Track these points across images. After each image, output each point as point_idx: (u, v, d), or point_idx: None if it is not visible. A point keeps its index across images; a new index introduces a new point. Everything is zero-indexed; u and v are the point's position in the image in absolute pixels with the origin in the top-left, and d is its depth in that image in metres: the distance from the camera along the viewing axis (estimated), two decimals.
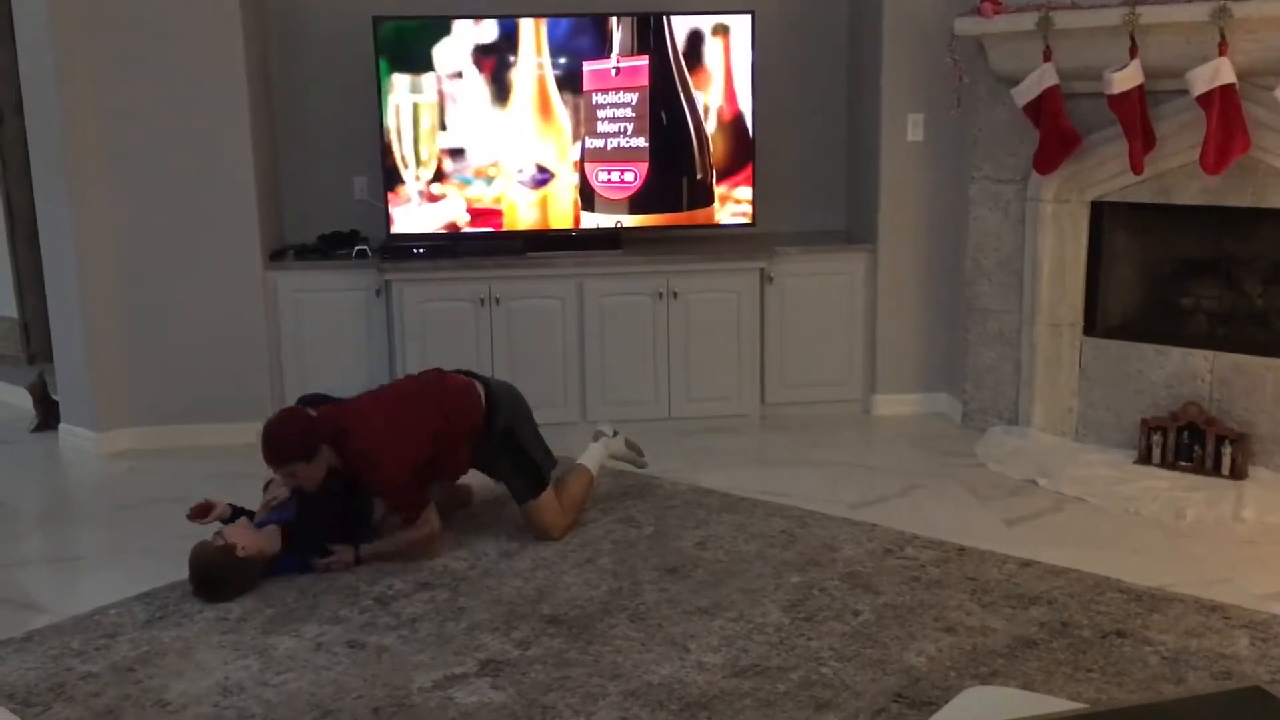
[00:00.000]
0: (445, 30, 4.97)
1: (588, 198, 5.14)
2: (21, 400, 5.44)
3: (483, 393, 3.85)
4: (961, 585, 3.48)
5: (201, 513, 3.63)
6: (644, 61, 5.04)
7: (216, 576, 3.47)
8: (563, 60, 5.02)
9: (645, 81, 5.05)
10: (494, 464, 3.89)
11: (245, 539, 3.53)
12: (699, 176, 5.17)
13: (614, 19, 5.01)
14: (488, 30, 4.98)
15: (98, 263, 4.84)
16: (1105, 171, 4.52)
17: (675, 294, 5.04)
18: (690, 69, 5.08)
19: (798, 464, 4.64)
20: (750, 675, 2.99)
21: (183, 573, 3.60)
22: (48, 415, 5.23)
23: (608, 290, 5.04)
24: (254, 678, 3.02)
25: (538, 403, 5.00)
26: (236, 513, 3.68)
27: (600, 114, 5.07)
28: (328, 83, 5.27)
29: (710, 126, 5.13)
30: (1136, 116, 4.19)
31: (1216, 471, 4.28)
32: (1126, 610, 3.30)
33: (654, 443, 4.50)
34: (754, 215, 5.24)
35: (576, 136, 5.07)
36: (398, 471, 3.55)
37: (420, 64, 4.98)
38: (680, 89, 5.09)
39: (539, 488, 3.82)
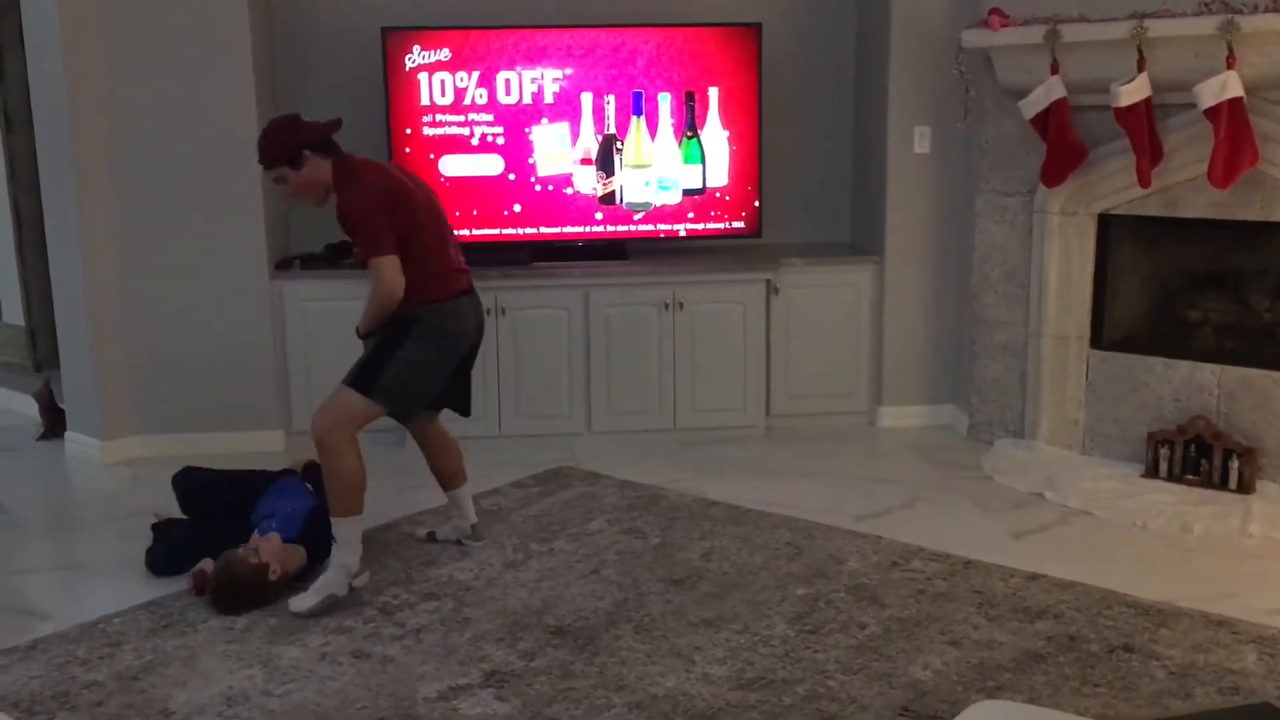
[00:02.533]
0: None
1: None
2: (28, 408, 5.44)
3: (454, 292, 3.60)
4: (968, 598, 3.47)
5: (201, 582, 3.54)
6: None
7: (245, 596, 3.45)
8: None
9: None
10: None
11: (278, 558, 3.51)
12: (706, 188, 5.18)
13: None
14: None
15: (105, 271, 4.85)
16: (1113, 184, 4.51)
17: (681, 305, 5.04)
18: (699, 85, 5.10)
19: (803, 476, 4.63)
20: (756, 688, 2.98)
21: (187, 583, 3.60)
22: (54, 423, 5.24)
23: (614, 301, 5.04)
24: (258, 688, 3.02)
25: (544, 413, 5.07)
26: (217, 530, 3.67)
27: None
28: (335, 93, 5.27)
29: (718, 138, 5.15)
30: (1144, 129, 4.18)
31: (1224, 486, 4.27)
32: (1134, 625, 3.29)
33: (659, 454, 4.50)
34: (760, 226, 5.24)
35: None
36: (367, 203, 3.41)
37: None
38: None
39: (358, 385, 3.47)
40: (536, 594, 3.55)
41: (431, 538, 3.95)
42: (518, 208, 5.14)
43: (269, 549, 3.51)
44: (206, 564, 3.53)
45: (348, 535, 3.46)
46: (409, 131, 5.06)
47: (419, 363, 3.51)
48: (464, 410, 3.89)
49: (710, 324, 5.09)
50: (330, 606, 3.40)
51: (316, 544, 3.62)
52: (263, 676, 3.08)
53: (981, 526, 4.10)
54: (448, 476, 3.89)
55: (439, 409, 3.82)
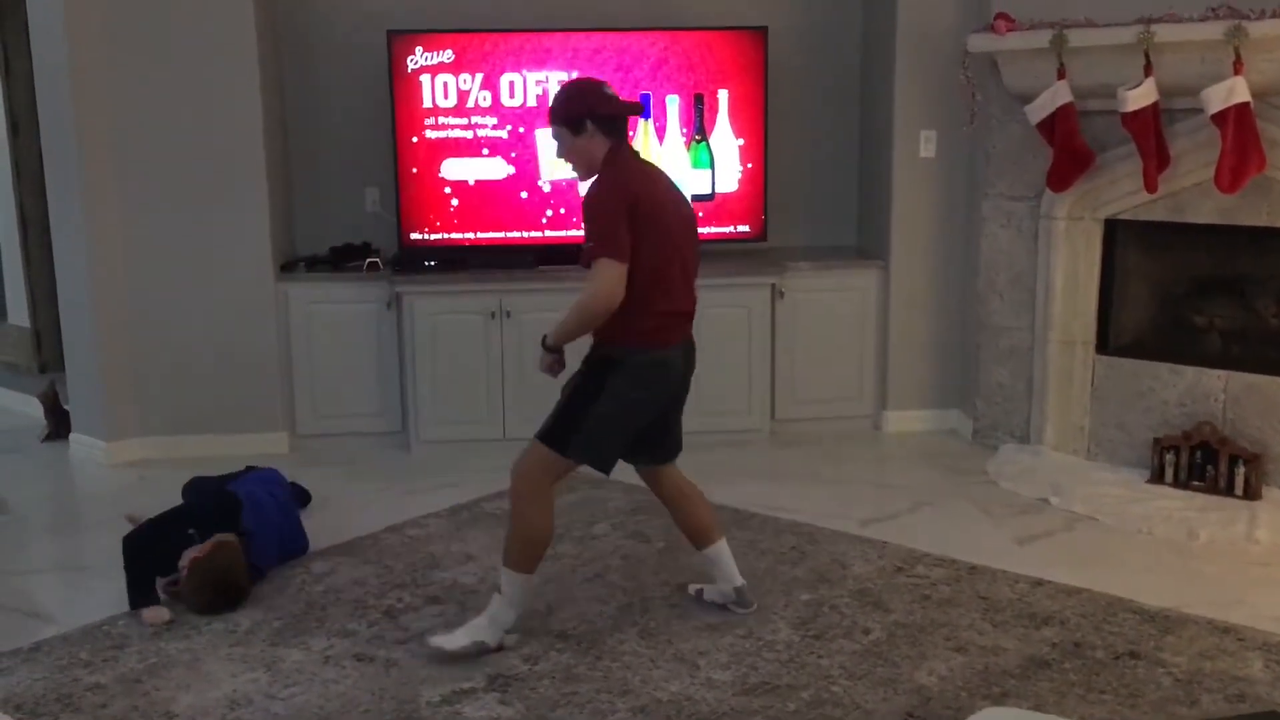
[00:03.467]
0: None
1: None
2: (33, 409, 5.45)
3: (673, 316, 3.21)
4: (973, 604, 3.46)
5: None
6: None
7: (234, 580, 3.47)
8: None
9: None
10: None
11: (217, 539, 3.51)
12: (715, 193, 5.17)
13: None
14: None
15: (110, 273, 4.85)
16: (1119, 189, 4.50)
17: None
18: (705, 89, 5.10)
19: (808, 480, 4.62)
20: (760, 693, 2.97)
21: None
22: (59, 424, 5.24)
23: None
24: (262, 690, 3.02)
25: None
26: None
27: None
28: (340, 95, 5.29)
29: (727, 142, 5.14)
30: (1151, 135, 4.18)
31: (1230, 492, 4.25)
32: (1139, 631, 3.28)
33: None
34: (765, 230, 5.24)
35: None
36: (614, 197, 3.05)
37: None
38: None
39: (551, 441, 3.13)
40: (541, 597, 3.54)
41: (700, 596, 3.49)
42: (523, 208, 5.13)
43: (204, 545, 3.49)
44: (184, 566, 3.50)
45: (514, 591, 3.18)
46: (415, 140, 5.05)
47: (618, 415, 3.13)
48: (672, 454, 3.42)
49: (715, 328, 5.05)
50: (478, 653, 3.14)
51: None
52: (266, 679, 3.07)
53: (986, 532, 4.09)
54: (696, 533, 3.41)
55: (655, 459, 3.38)
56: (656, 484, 3.42)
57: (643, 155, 3.30)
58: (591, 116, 3.11)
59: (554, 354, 3.19)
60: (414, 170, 5.06)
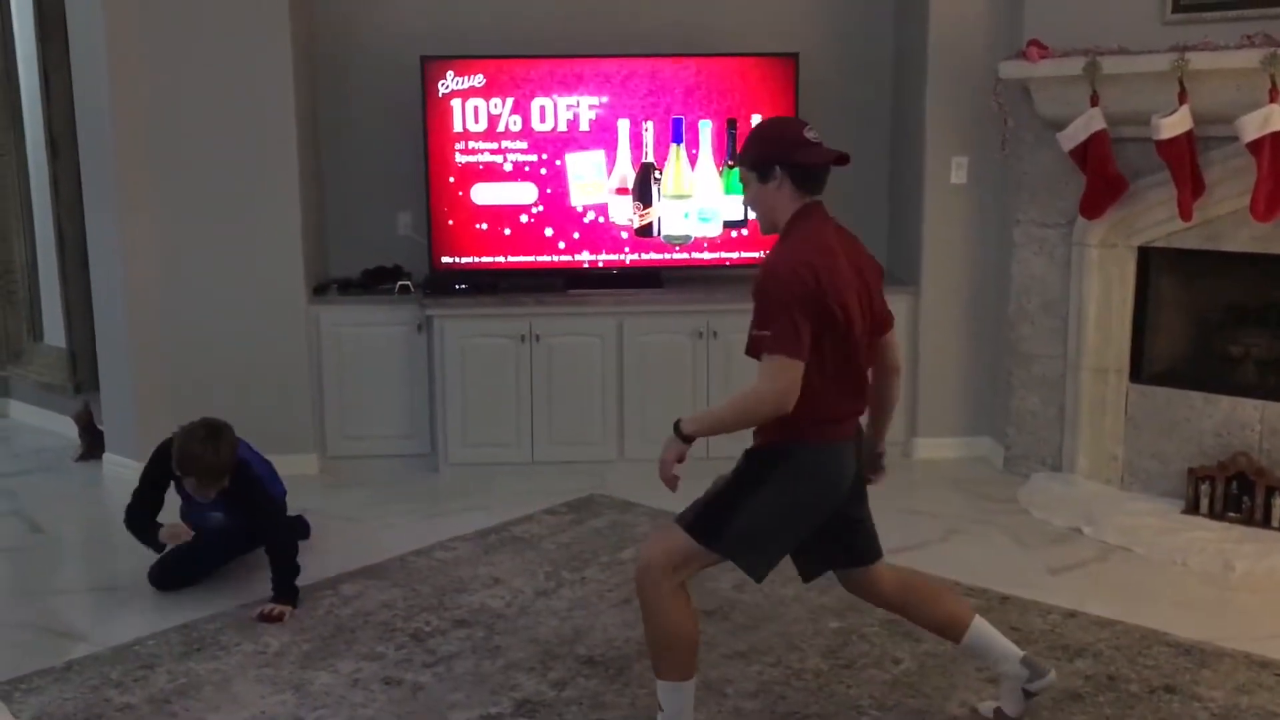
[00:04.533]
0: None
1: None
2: (68, 429, 5.50)
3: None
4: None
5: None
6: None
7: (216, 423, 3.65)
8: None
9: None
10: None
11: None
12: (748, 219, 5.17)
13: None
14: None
15: (146, 294, 4.91)
16: (1153, 217, 4.47)
17: (715, 333, 5.03)
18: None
19: None
20: None
21: (221, 605, 3.64)
22: (93, 444, 5.29)
23: (648, 329, 5.04)
24: (290, 713, 3.02)
25: (576, 440, 5.06)
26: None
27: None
28: (373, 120, 5.34)
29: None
30: (1185, 162, 4.15)
31: (1266, 523, 4.19)
32: (1175, 664, 3.23)
33: (693, 483, 4.44)
34: None
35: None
36: (792, 279, 2.60)
37: None
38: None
39: (697, 533, 2.70)
40: (568, 623, 3.53)
41: (1001, 715, 2.97)
42: (549, 232, 5.15)
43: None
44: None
45: (675, 706, 2.77)
46: (451, 179, 5.08)
47: (784, 511, 2.70)
48: (872, 552, 2.92)
49: (743, 353, 5.06)
50: None
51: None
52: (294, 702, 3.08)
53: (1018, 561, 4.05)
54: (947, 627, 2.94)
55: (854, 561, 2.92)
56: (875, 593, 2.94)
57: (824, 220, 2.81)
58: (781, 163, 2.70)
59: (688, 444, 2.70)
60: (457, 192, 5.10)
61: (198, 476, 3.63)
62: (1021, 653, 2.92)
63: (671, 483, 2.72)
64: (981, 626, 2.91)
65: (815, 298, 2.58)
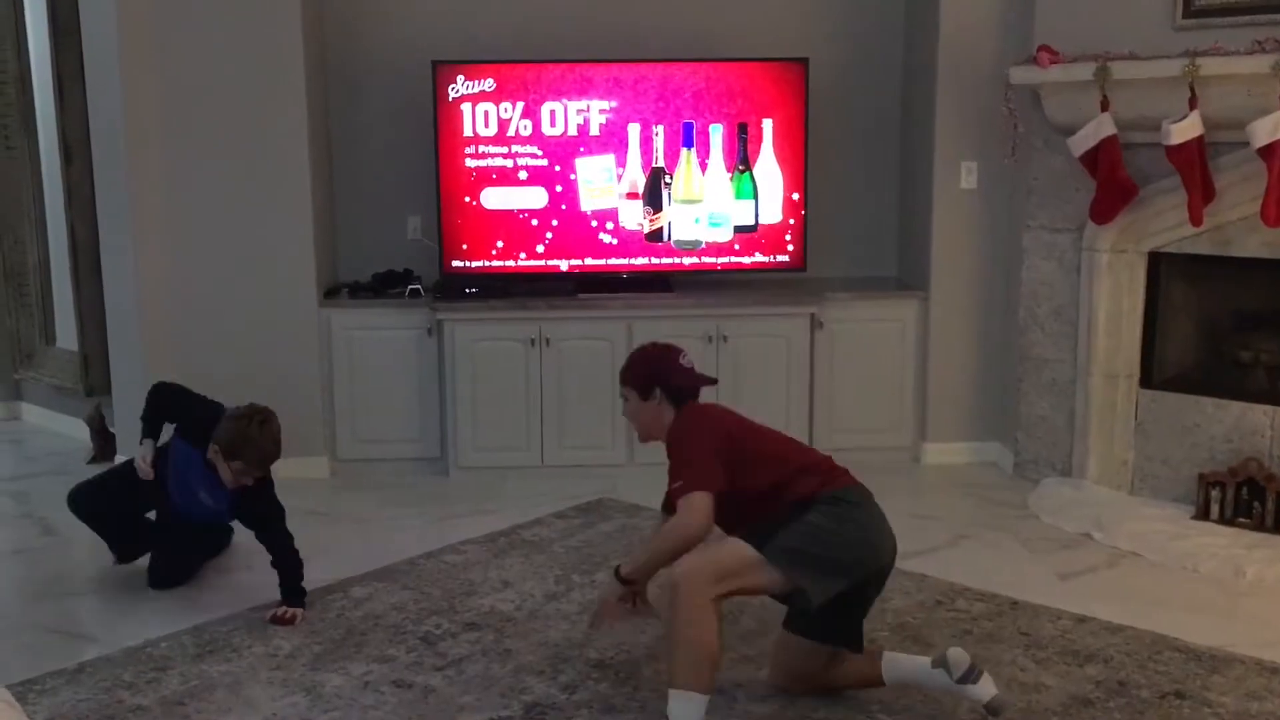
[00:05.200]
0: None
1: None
2: (79, 432, 5.53)
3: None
4: (1014, 640, 3.42)
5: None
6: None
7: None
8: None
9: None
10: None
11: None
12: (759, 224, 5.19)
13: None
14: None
15: (158, 299, 4.94)
16: (1163, 222, 4.47)
17: (725, 338, 5.04)
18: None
19: None
20: None
21: (235, 607, 3.65)
22: (104, 447, 5.31)
23: (658, 333, 4.99)
24: (301, 715, 3.03)
25: (586, 444, 5.07)
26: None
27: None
28: (384, 124, 5.36)
29: (771, 172, 5.16)
30: (1196, 168, 4.15)
31: (1277, 529, 4.19)
32: (1185, 670, 3.23)
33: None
34: (805, 260, 5.24)
35: None
36: (697, 439, 2.96)
37: None
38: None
39: (746, 537, 2.86)
40: (578, 626, 3.54)
41: (991, 705, 2.92)
42: (551, 236, 5.15)
43: None
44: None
45: (686, 717, 2.79)
46: (467, 188, 5.10)
47: (827, 533, 2.84)
48: (853, 645, 3.05)
49: (754, 358, 5.08)
50: None
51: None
52: (306, 704, 3.09)
53: (1028, 567, 4.05)
54: (864, 673, 3.05)
55: (823, 638, 3.02)
56: (808, 676, 3.06)
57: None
58: (660, 385, 3.10)
59: (628, 586, 2.97)
60: (466, 196, 5.11)
61: (247, 461, 3.60)
62: (927, 660, 2.97)
63: (609, 623, 3.04)
64: (892, 661, 3.02)
65: (720, 433, 2.98)
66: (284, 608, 3.61)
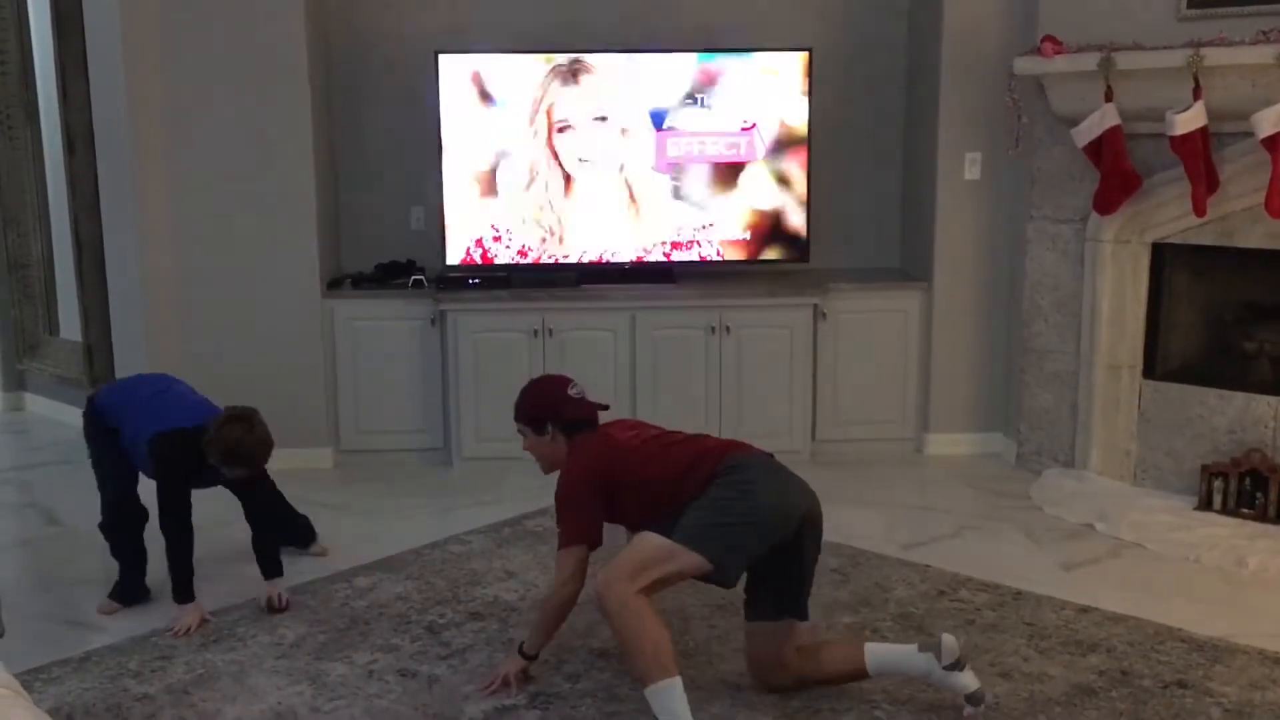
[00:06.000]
0: None
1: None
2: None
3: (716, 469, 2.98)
4: (1018, 630, 3.43)
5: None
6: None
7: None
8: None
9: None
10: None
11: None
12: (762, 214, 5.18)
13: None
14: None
15: (161, 290, 4.94)
16: (1167, 213, 4.47)
17: (728, 329, 5.05)
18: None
19: (849, 502, 4.59)
20: (801, 716, 2.96)
21: (238, 598, 3.67)
22: None
23: (660, 324, 5.05)
24: (306, 704, 3.04)
25: None
26: None
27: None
28: (387, 115, 5.36)
29: (773, 163, 5.15)
30: (1199, 158, 4.14)
31: (1279, 520, 4.19)
32: (1188, 660, 3.24)
33: None
34: (808, 251, 5.23)
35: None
36: (573, 485, 3.07)
37: None
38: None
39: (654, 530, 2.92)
40: (582, 616, 3.52)
41: (972, 698, 2.92)
42: (565, 229, 5.16)
43: None
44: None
45: (668, 707, 2.76)
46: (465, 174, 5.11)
47: (723, 506, 2.87)
48: (798, 612, 3.04)
49: (757, 349, 5.08)
50: None
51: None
52: (311, 693, 3.10)
53: (1031, 557, 4.06)
54: (847, 663, 3.02)
55: (771, 608, 3.03)
56: (780, 665, 3.04)
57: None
58: (550, 419, 3.19)
59: (529, 660, 3.12)
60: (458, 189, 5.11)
61: (246, 465, 3.57)
62: (913, 646, 2.95)
63: (510, 693, 3.06)
64: (874, 648, 3.02)
65: (601, 480, 3.04)
66: (272, 591, 3.62)
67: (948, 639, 2.91)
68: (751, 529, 2.87)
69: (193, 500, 3.63)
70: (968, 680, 2.89)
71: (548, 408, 3.22)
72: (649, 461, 3.05)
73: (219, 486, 3.71)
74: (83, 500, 4.79)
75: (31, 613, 3.67)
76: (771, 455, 3.12)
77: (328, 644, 3.39)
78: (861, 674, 3.00)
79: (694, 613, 3.57)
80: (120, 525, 3.79)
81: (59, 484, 4.98)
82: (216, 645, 3.38)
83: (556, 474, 3.18)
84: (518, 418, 3.27)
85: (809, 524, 2.98)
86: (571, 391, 3.24)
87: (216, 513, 4.17)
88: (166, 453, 3.57)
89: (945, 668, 2.88)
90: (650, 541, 2.86)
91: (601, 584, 2.83)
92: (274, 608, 3.59)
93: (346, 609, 3.63)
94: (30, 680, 3.12)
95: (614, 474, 3.05)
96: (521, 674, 3.12)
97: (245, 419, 3.58)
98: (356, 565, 3.97)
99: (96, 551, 4.23)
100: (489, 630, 3.46)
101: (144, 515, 3.79)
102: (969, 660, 2.95)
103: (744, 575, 2.96)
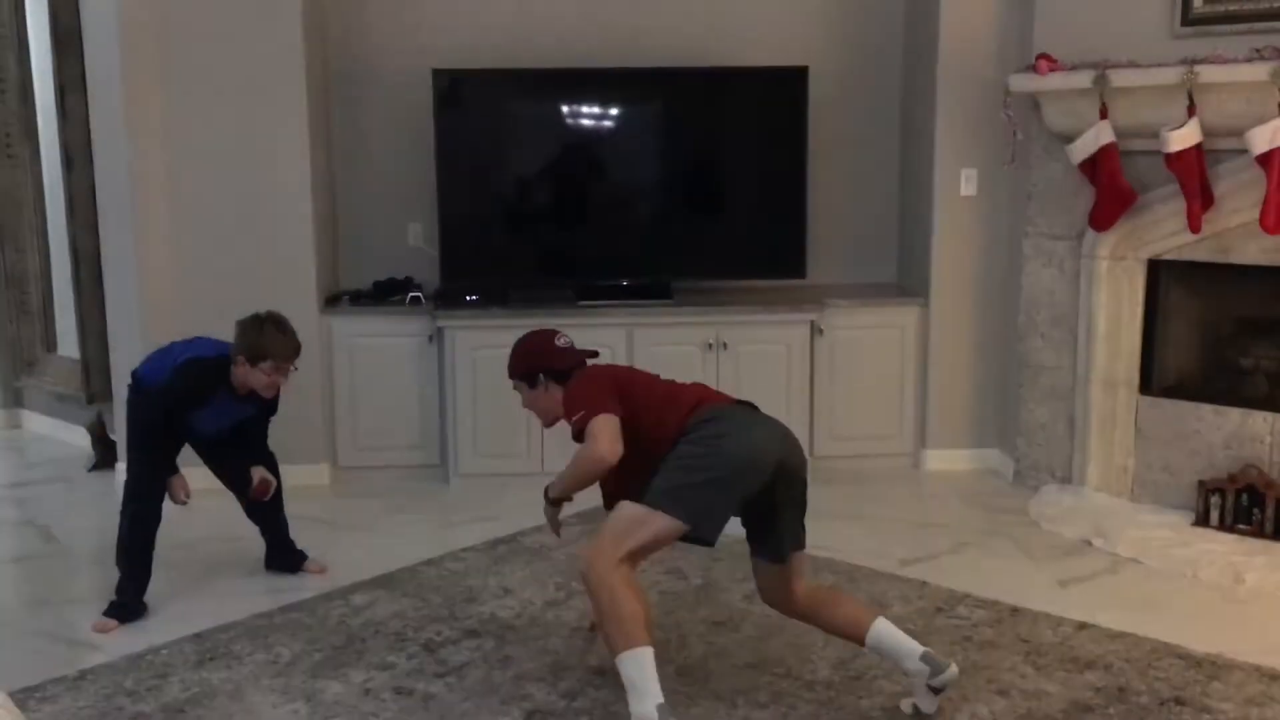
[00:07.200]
0: None
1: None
2: (80, 439, 5.54)
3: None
4: (1015, 647, 3.43)
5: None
6: None
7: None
8: None
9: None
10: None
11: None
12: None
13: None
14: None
15: (159, 306, 4.94)
16: (1162, 229, 4.48)
17: (725, 345, 5.05)
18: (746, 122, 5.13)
19: (846, 518, 4.59)
20: None
21: (234, 615, 3.65)
22: (105, 454, 5.32)
23: (657, 340, 5.06)
24: None
25: None
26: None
27: None
28: (385, 132, 5.37)
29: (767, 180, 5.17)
30: (1194, 175, 4.16)
31: (1276, 536, 4.19)
32: (1185, 677, 3.23)
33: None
34: (805, 267, 5.24)
35: None
36: (587, 387, 3.09)
37: None
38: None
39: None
40: (578, 633, 3.54)
41: (918, 712, 3.02)
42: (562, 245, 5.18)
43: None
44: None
45: (637, 675, 2.76)
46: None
47: (692, 463, 2.88)
48: (780, 549, 3.08)
49: (754, 364, 5.09)
50: None
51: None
52: (306, 711, 3.09)
53: (1028, 573, 4.05)
54: (851, 625, 3.05)
55: (763, 552, 3.12)
56: (785, 599, 3.12)
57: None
58: (543, 371, 3.22)
59: (557, 506, 3.18)
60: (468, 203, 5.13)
61: (276, 357, 3.71)
62: (921, 649, 2.96)
63: (557, 531, 3.26)
64: (883, 627, 3.00)
65: (610, 381, 3.11)
66: (261, 477, 3.82)
67: (951, 672, 2.93)
68: (722, 483, 2.89)
69: (192, 504, 3.76)
70: (930, 703, 2.98)
71: (539, 360, 3.25)
72: (659, 387, 3.18)
73: (217, 483, 3.89)
74: (79, 518, 4.81)
75: (27, 630, 3.66)
76: (753, 405, 3.17)
77: (324, 662, 3.38)
78: (859, 640, 3.04)
79: (691, 630, 3.57)
80: (147, 494, 3.79)
81: (55, 501, 4.97)
82: (212, 663, 3.37)
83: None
84: (511, 375, 3.30)
85: (783, 471, 2.98)
86: (560, 342, 3.27)
87: (213, 526, 4.19)
88: (195, 372, 3.74)
89: (929, 685, 2.94)
90: (625, 510, 2.89)
91: (585, 559, 2.89)
92: (260, 492, 3.82)
93: (343, 626, 3.62)
94: (25, 699, 3.11)
95: (623, 384, 3.10)
96: (554, 517, 3.22)
97: (277, 320, 3.73)
98: (353, 582, 3.96)
99: (92, 569, 4.23)
100: (485, 647, 3.46)
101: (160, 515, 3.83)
102: (956, 683, 2.98)
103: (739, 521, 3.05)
